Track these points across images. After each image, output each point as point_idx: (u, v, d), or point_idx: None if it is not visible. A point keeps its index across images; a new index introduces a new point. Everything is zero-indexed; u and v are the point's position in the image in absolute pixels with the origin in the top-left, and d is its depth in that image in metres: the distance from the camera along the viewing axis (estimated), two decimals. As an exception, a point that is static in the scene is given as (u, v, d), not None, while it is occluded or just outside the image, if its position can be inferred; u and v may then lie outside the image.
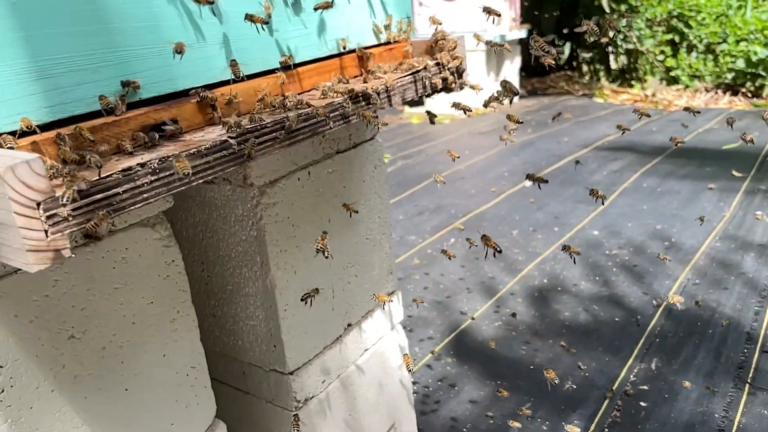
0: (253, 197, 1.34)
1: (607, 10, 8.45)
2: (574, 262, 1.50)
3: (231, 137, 0.90)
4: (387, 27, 1.40)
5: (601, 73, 9.04)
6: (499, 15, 1.40)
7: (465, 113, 1.48)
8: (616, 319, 2.46)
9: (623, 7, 8.67)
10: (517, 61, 7.75)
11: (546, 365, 2.17)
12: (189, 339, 1.25)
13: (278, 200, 1.37)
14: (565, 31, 9.08)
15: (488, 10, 1.44)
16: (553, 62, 1.34)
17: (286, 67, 1.13)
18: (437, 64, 1.35)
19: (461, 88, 1.42)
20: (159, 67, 0.94)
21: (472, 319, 2.55)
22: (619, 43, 8.45)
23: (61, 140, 0.80)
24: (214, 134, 0.93)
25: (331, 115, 1.08)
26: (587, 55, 8.96)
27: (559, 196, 3.90)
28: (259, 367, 1.52)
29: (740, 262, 2.85)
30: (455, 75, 1.38)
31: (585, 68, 9.20)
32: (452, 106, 1.51)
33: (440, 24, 1.55)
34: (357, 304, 1.64)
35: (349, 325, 1.62)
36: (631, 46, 8.66)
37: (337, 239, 1.55)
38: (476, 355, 2.30)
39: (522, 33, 7.40)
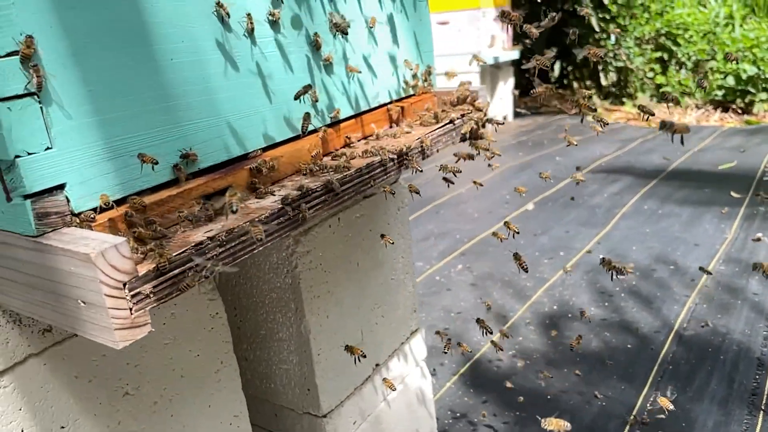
0: (288, 246, 1.38)
1: (597, 29, 8.57)
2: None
3: (286, 204, 0.94)
4: (414, 76, 1.45)
5: (592, 91, 9.14)
6: (517, 20, 1.32)
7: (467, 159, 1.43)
8: (629, 345, 2.51)
9: (612, 26, 8.81)
10: (511, 82, 7.84)
11: (563, 395, 2.21)
12: (232, 388, 1.28)
13: (311, 248, 1.41)
14: (554, 49, 9.21)
15: (505, 14, 1.39)
16: (543, 91, 1.38)
17: (327, 125, 1.18)
18: (462, 115, 1.40)
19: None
20: (214, 137, 0.98)
21: (493, 344, 2.59)
22: (609, 60, 8.57)
23: (131, 218, 0.83)
24: (268, 201, 0.97)
25: (371, 174, 1.12)
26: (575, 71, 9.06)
27: (561, 220, 3.96)
28: (292, 410, 1.56)
29: (745, 285, 2.90)
30: (479, 125, 1.43)
31: (576, 86, 9.31)
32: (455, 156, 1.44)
33: (455, 75, 1.60)
34: (384, 344, 1.68)
35: (377, 365, 1.66)
36: (621, 64, 8.78)
37: (364, 281, 1.59)
38: (493, 385, 2.34)
39: (515, 54, 7.49)
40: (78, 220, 0.80)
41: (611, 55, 8.70)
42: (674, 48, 8.66)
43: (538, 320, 2.80)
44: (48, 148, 0.76)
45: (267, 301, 1.47)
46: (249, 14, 1.00)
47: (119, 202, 0.85)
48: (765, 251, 3.23)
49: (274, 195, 0.99)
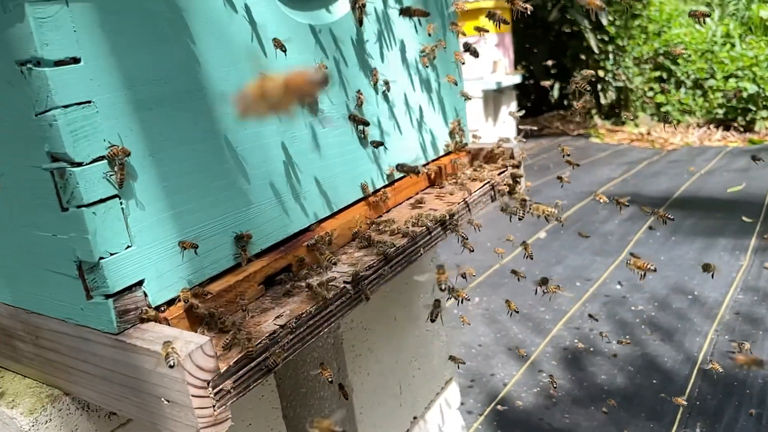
0: (331, 307, 1.39)
1: (596, 50, 8.65)
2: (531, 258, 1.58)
3: (347, 283, 0.96)
4: (450, 134, 1.47)
5: (594, 111, 9.20)
6: (507, 23, 1.32)
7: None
8: (654, 381, 2.51)
9: (611, 48, 8.89)
10: (513, 106, 7.90)
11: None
12: (282, 454, 1.29)
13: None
14: (553, 71, 9.29)
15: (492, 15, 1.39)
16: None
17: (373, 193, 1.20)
18: (499, 173, 1.42)
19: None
20: (274, 217, 1.00)
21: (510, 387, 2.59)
22: (608, 79, 8.64)
23: (202, 308, 0.85)
24: (327, 278, 0.99)
25: (420, 243, 1.14)
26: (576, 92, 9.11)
27: (575, 248, 3.97)
28: (334, 467, 1.55)
29: (765, 315, 2.91)
30: (515, 182, 1.45)
31: (576, 104, 9.36)
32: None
33: (480, 138, 1.62)
34: (421, 397, 1.68)
35: (414, 417, 1.66)
36: (620, 84, 8.85)
37: (401, 335, 1.60)
38: (520, 425, 2.34)
39: (517, 78, 7.56)
40: (155, 314, 0.81)
41: (611, 75, 8.78)
42: (673, 67, 8.73)
43: (560, 355, 2.80)
44: (128, 247, 0.78)
45: (308, 360, 1.48)
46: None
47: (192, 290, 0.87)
48: (781, 279, 3.25)
49: (334, 272, 1.01)
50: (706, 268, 1.77)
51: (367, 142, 1.20)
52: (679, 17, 9.28)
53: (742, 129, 7.76)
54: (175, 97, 0.83)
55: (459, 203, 1.26)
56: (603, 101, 8.97)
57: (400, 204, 1.31)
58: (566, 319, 3.12)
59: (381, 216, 1.24)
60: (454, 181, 1.40)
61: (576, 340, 2.90)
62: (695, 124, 8.27)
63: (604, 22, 8.54)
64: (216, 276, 0.92)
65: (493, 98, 7.61)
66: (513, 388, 2.58)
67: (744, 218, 4.11)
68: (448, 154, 1.47)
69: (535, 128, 8.40)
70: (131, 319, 0.79)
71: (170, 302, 0.85)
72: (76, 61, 0.72)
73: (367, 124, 1.16)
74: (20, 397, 0.91)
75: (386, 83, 1.24)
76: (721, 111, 8.06)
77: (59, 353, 0.87)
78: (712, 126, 8.07)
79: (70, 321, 0.83)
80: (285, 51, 0.96)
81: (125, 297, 0.78)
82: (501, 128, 7.82)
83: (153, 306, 0.82)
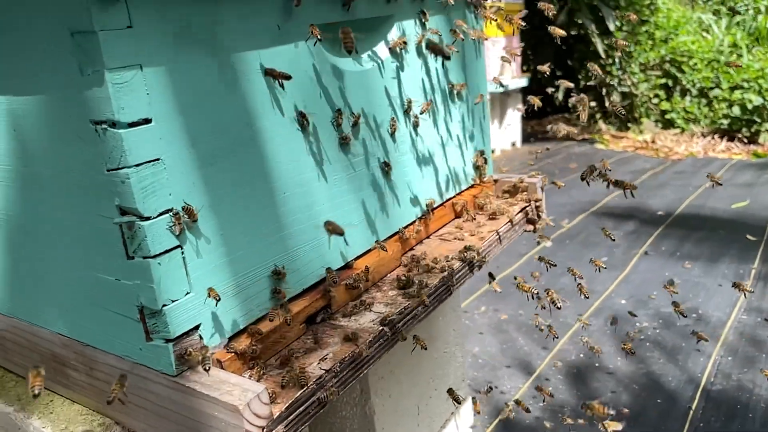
0: (356, 332, 1.43)
1: (603, 55, 8.68)
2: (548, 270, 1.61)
3: (384, 326, 1.00)
4: (475, 167, 1.51)
5: (598, 116, 9.23)
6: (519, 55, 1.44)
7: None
8: (659, 400, 2.56)
9: (617, 54, 8.92)
10: (519, 108, 7.94)
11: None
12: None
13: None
14: (559, 73, 9.34)
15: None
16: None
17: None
18: (521, 209, 1.46)
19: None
20: (315, 257, 1.04)
21: (517, 404, 2.64)
22: (613, 84, 8.67)
23: (254, 351, 0.89)
24: (365, 319, 1.03)
25: (451, 283, 1.18)
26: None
27: (580, 259, 4.01)
28: (352, 484, 1.60)
29: (768, 337, 2.96)
30: (537, 215, 1.49)
31: (581, 107, 9.38)
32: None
33: (505, 171, 1.66)
34: (437, 416, 1.73)
35: (430, 437, 1.71)
36: (626, 89, 8.89)
37: (421, 357, 1.64)
38: (526, 439, 2.39)
39: (523, 81, 7.60)
40: (210, 358, 0.85)
41: (616, 80, 8.81)
42: (679, 75, 8.77)
43: (566, 370, 2.85)
44: (188, 293, 0.82)
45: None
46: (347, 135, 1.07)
47: (241, 331, 0.91)
48: (784, 299, 3.30)
49: (370, 311, 1.05)
50: (737, 286, 1.81)
51: (393, 182, 1.23)
52: (686, 24, 9.31)
53: (746, 140, 7.80)
54: (232, 150, 0.88)
55: (485, 243, 1.30)
56: (608, 105, 9.00)
57: (429, 237, 1.35)
58: (571, 333, 3.16)
59: (413, 248, 1.28)
60: (482, 214, 1.44)
61: (582, 355, 2.95)
62: (700, 134, 8.31)
63: (612, 27, 8.57)
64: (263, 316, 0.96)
65: (500, 101, 7.65)
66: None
67: (748, 236, 4.15)
68: (472, 186, 1.51)
69: (550, 129, 8.42)
70: (188, 362, 0.83)
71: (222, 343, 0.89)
72: (147, 121, 0.76)
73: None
74: (73, 425, 0.95)
75: (416, 117, 1.28)
76: (725, 121, 8.10)
77: (114, 387, 0.91)
78: (716, 136, 8.11)
79: (127, 358, 0.87)
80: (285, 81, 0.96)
81: (183, 341, 0.82)
82: (507, 131, 7.86)
83: (209, 347, 0.86)
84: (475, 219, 1.42)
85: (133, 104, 0.74)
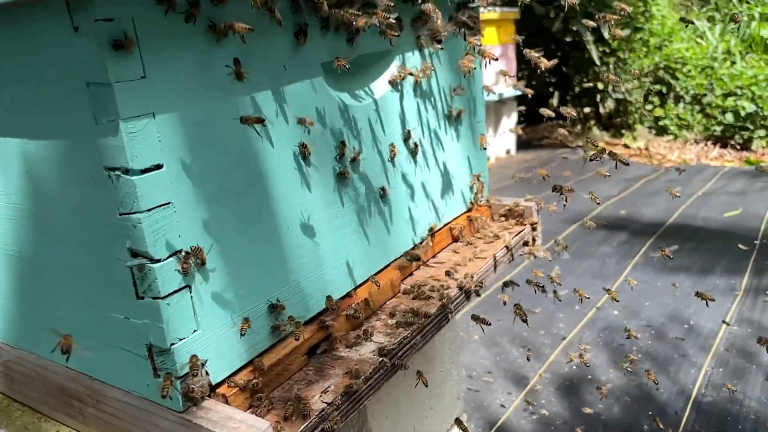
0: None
1: (597, 62, 8.73)
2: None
3: (384, 357, 1.03)
4: (471, 189, 1.53)
5: (592, 122, 9.29)
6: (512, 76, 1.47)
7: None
8: (650, 412, 2.59)
9: (612, 60, 8.98)
10: (514, 116, 7.98)
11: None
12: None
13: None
14: (554, 80, 9.40)
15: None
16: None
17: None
18: (518, 233, 1.50)
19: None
20: (317, 289, 1.07)
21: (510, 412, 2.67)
22: (608, 90, 8.73)
23: (257, 384, 0.92)
24: (365, 350, 1.06)
25: (448, 311, 1.21)
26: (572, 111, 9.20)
27: (574, 270, 4.05)
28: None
29: (759, 349, 2.99)
30: (532, 240, 1.52)
31: (574, 113, 9.43)
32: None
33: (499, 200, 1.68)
34: (432, 434, 1.75)
35: (426, 454, 1.73)
36: (620, 96, 8.94)
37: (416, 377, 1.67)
38: (520, 452, 2.42)
39: (518, 90, 7.64)
40: (215, 392, 0.88)
41: (610, 87, 8.86)
42: (672, 81, 8.83)
43: (558, 382, 2.88)
44: (195, 331, 0.85)
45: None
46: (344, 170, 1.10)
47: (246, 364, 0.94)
48: (775, 311, 3.34)
49: (371, 341, 1.08)
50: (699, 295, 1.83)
51: (391, 209, 1.26)
52: (681, 31, 9.37)
53: (739, 147, 7.87)
54: (238, 188, 0.90)
55: (481, 270, 1.32)
56: (602, 111, 9.05)
57: (427, 262, 1.38)
58: (564, 344, 3.20)
59: (412, 274, 1.31)
60: (479, 238, 1.47)
61: (575, 367, 2.98)
62: (693, 140, 8.37)
63: (606, 35, 8.61)
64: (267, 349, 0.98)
65: (495, 109, 7.69)
66: (513, 415, 2.66)
67: (740, 246, 4.20)
68: (469, 210, 1.54)
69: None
70: (194, 398, 0.86)
71: (228, 377, 0.91)
72: (159, 167, 0.78)
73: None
74: (80, 455, 0.98)
75: (415, 145, 1.31)
76: (719, 128, 8.16)
77: (121, 419, 0.94)
78: (709, 143, 8.17)
79: (134, 393, 0.90)
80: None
81: (189, 378, 0.85)
82: (501, 138, 7.90)
83: (214, 384, 0.88)
84: (472, 244, 1.44)
85: (145, 151, 0.76)
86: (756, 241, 4.29)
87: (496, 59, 1.34)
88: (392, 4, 1.03)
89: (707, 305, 1.93)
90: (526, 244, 1.53)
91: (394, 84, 1.22)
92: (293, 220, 1.01)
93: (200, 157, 0.84)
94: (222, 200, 0.88)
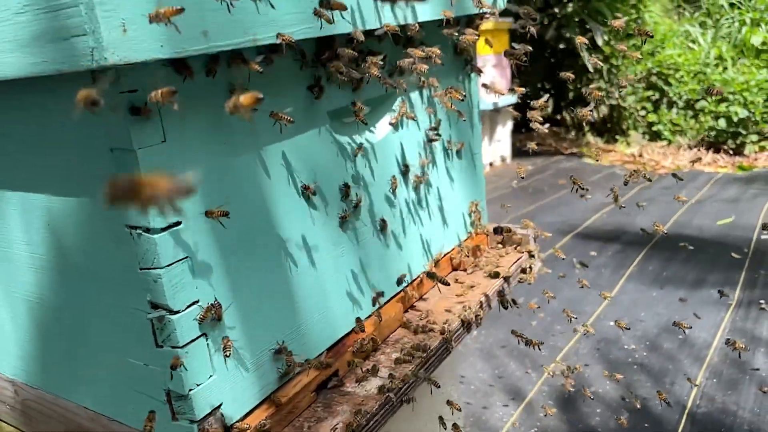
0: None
1: (591, 69, 8.80)
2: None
3: (389, 392, 1.07)
4: (470, 216, 1.58)
5: (586, 128, 9.36)
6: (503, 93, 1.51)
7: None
8: (646, 425, 2.65)
9: (605, 67, 9.06)
10: (509, 125, 8.04)
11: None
12: None
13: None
14: (547, 86, 9.48)
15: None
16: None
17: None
18: (515, 260, 1.54)
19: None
20: (325, 327, 1.11)
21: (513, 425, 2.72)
22: (602, 96, 8.80)
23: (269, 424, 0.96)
24: (371, 385, 1.10)
25: (448, 344, 1.26)
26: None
27: (569, 280, 4.09)
28: None
29: (751, 359, 3.05)
30: (530, 267, 1.57)
31: (569, 119, 9.50)
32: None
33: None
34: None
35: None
36: (614, 102, 9.02)
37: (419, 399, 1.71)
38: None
39: (513, 98, 7.69)
40: (230, 432, 0.92)
41: (604, 93, 8.94)
42: (665, 87, 8.91)
43: (556, 395, 2.93)
44: (211, 376, 0.89)
45: None
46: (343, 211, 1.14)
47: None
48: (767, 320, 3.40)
49: (376, 377, 1.12)
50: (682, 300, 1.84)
51: (394, 242, 1.30)
52: (673, 38, 9.45)
53: (731, 152, 7.94)
54: (251, 237, 0.95)
55: (477, 302, 1.37)
56: (596, 117, 9.13)
57: (428, 293, 1.42)
58: (561, 356, 3.24)
59: (414, 306, 1.36)
60: (476, 267, 1.51)
61: (570, 380, 3.03)
62: (686, 145, 8.44)
63: (600, 42, 8.69)
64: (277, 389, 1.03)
65: (490, 117, 7.74)
66: (511, 428, 2.71)
67: (733, 254, 4.26)
68: (468, 238, 1.59)
69: (536, 147, 8.52)
70: (210, 437, 0.90)
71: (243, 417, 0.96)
72: (177, 224, 0.83)
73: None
74: (99, 492, 1.02)
75: (416, 177, 1.35)
76: (711, 133, 8.24)
77: (139, 459, 0.98)
78: (702, 148, 8.24)
79: (152, 434, 0.94)
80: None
81: (206, 421, 0.89)
82: (496, 146, 7.96)
83: (229, 425, 0.93)
84: (471, 272, 1.49)
85: (164, 211, 0.81)
86: (746, 250, 4.35)
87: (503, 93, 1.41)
88: (382, 64, 1.07)
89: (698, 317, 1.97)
90: (523, 271, 1.57)
91: (396, 125, 1.27)
92: (301, 262, 1.05)
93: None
94: (237, 250, 0.92)
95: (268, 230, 0.98)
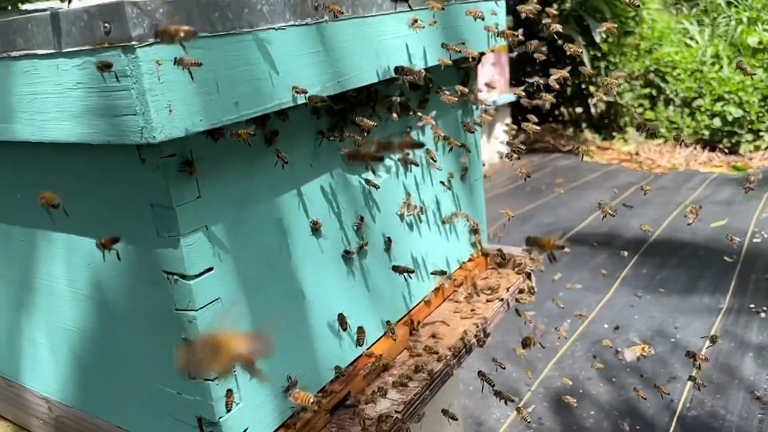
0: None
1: (588, 66, 8.87)
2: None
3: (398, 412, 1.17)
4: (471, 238, 1.67)
5: (584, 125, 9.44)
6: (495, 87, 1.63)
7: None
8: (638, 427, 2.75)
9: (603, 64, 9.14)
10: (507, 122, 8.14)
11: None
12: None
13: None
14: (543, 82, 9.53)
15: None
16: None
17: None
18: (514, 283, 1.64)
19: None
20: (337, 352, 1.21)
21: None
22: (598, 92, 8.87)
23: (292, 443, 1.06)
24: (381, 406, 1.20)
25: (451, 367, 1.35)
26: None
27: (566, 280, 4.20)
28: None
29: (740, 364, 3.16)
30: (528, 289, 1.66)
31: (566, 114, 9.58)
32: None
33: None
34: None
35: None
36: (611, 99, 9.09)
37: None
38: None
39: (511, 96, 7.77)
40: (255, 454, 1.02)
41: (602, 90, 9.00)
42: (662, 85, 8.99)
43: (551, 397, 3.04)
44: (238, 404, 0.99)
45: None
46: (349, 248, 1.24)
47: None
48: (758, 325, 3.50)
49: (386, 398, 1.22)
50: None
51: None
52: (671, 35, 9.52)
53: (726, 151, 8.04)
54: (274, 276, 1.04)
55: (476, 326, 1.47)
56: (593, 112, 9.21)
57: (430, 315, 1.52)
58: (556, 359, 3.35)
59: (417, 330, 1.45)
60: (475, 289, 1.60)
61: (567, 381, 3.14)
62: (683, 143, 8.52)
63: (597, 39, 8.75)
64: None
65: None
66: (508, 428, 2.82)
67: (725, 258, 4.36)
68: (469, 260, 1.68)
69: (523, 148, 8.60)
70: (238, 460, 0.99)
71: (264, 440, 1.05)
72: (210, 269, 0.92)
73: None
74: (131, 506, 1.11)
75: (420, 209, 1.44)
76: (707, 132, 8.33)
77: (169, 477, 1.07)
78: (698, 147, 8.34)
79: (183, 455, 1.04)
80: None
81: (235, 444, 0.99)
82: (494, 145, 8.05)
83: (253, 447, 1.02)
84: (471, 295, 1.58)
85: (200, 259, 0.90)
86: (736, 256, 4.45)
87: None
88: (374, 124, 1.16)
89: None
90: (521, 291, 1.66)
91: (405, 162, 1.36)
92: (316, 297, 1.14)
93: (242, 256, 0.98)
94: (260, 289, 1.02)
95: (287, 268, 1.07)
